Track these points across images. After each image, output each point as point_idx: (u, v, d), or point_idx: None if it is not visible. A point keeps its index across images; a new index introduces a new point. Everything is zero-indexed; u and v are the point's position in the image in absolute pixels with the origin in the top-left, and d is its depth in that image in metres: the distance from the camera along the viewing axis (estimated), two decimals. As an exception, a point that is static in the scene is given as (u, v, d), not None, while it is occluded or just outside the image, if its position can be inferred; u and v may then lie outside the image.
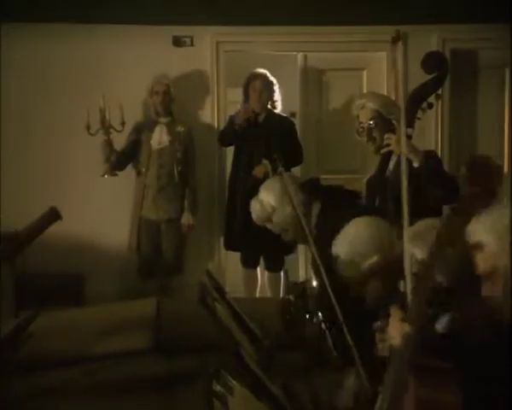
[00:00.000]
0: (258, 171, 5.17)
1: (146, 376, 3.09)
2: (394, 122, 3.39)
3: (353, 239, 2.56)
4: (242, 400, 1.94)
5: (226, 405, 1.86)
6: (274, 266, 5.43)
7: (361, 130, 3.47)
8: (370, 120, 3.43)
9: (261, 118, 5.40)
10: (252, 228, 5.25)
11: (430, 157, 3.23)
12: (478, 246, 1.95)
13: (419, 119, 3.42)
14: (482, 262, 1.96)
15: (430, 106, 3.46)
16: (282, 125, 5.41)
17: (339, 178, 5.58)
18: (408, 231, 2.38)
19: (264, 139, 5.32)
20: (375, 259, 2.52)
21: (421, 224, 2.51)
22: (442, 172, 3.31)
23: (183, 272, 5.35)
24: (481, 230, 1.95)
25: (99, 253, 5.48)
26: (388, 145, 3.30)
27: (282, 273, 5.17)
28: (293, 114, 5.83)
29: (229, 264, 5.74)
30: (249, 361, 2.40)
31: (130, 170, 5.35)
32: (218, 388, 1.88)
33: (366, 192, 3.60)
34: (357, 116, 3.51)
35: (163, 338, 3.32)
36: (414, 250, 2.36)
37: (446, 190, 3.12)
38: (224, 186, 5.68)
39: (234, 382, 1.95)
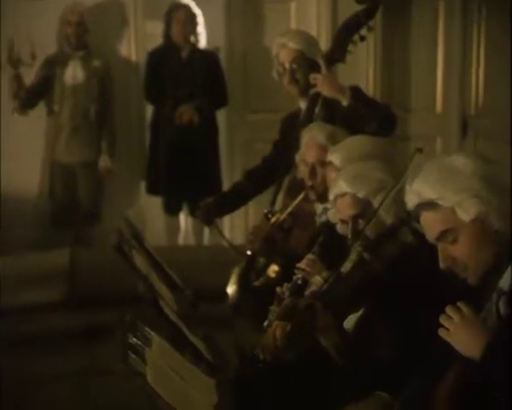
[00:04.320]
0: (183, 116, 5.13)
1: (61, 329, 3.08)
2: (320, 61, 3.33)
3: None
4: (161, 352, 1.95)
5: (143, 357, 1.86)
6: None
7: (281, 70, 3.41)
8: (292, 60, 3.37)
9: (184, 53, 5.29)
10: (176, 173, 5.28)
11: (356, 91, 3.22)
12: (431, 204, 1.78)
13: (350, 52, 3.40)
14: (438, 222, 1.78)
15: (362, 38, 3.36)
16: (207, 61, 5.32)
17: (266, 117, 5.59)
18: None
19: (187, 78, 5.24)
20: None
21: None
22: (373, 102, 3.32)
23: (101, 220, 5.30)
24: (428, 187, 1.80)
25: (8, 200, 5.32)
26: (315, 85, 3.28)
27: None
28: (217, 49, 5.76)
29: (151, 211, 5.70)
30: (169, 312, 2.41)
31: (41, 108, 5.21)
32: (134, 340, 1.88)
33: (280, 131, 3.59)
34: (277, 55, 3.42)
35: (77, 290, 3.31)
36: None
37: (381, 119, 3.13)
38: (144, 127, 5.60)
39: (152, 333, 1.95)
